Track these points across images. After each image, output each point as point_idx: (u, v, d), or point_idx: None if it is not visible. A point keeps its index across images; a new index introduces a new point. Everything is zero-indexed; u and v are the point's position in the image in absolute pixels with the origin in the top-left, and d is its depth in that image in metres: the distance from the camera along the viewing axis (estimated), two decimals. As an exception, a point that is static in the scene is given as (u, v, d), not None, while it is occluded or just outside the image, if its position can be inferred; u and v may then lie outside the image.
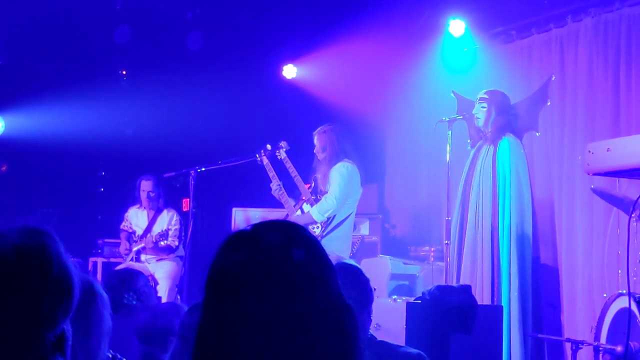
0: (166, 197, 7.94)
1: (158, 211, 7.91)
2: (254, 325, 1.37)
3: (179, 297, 7.49)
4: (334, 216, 6.67)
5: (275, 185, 6.90)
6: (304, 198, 6.87)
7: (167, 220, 7.84)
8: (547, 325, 6.61)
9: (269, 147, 7.11)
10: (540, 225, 6.65)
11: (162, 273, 7.58)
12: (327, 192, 6.69)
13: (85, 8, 8.32)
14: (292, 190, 7.06)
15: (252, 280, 1.40)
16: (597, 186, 6.00)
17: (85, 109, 8.67)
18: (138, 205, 7.99)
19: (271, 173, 7.02)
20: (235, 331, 1.38)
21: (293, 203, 6.91)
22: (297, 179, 6.96)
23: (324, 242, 6.42)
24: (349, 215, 6.76)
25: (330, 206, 6.63)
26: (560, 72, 7.02)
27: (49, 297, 1.40)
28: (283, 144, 7.03)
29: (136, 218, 7.96)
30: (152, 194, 7.88)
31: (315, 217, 6.64)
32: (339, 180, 6.64)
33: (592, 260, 6.60)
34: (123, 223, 8.02)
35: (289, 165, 7.03)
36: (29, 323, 1.38)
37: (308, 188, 6.92)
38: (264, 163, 7.07)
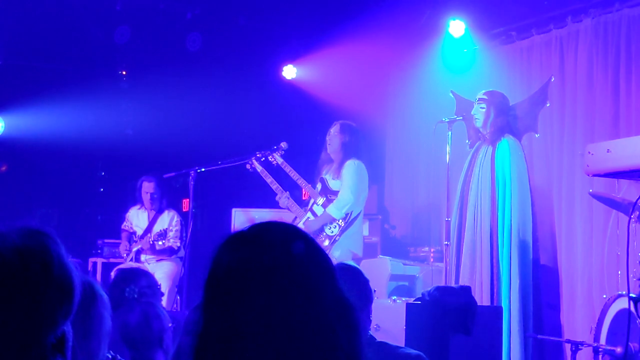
0: (168, 198, 7.92)
1: (159, 212, 7.88)
2: (259, 324, 1.38)
3: (178, 297, 7.49)
4: (351, 212, 6.67)
5: (284, 198, 6.87)
6: (315, 201, 6.82)
7: (168, 221, 7.81)
8: (547, 326, 6.61)
9: (258, 154, 7.06)
10: (540, 226, 6.65)
11: (161, 273, 7.56)
12: (337, 190, 6.68)
13: (85, 8, 8.32)
14: (293, 193, 7.03)
15: (255, 280, 1.41)
16: (595, 191, 6.00)
17: (85, 109, 8.67)
18: (139, 206, 7.96)
19: (269, 179, 6.97)
20: (241, 331, 1.38)
21: (298, 207, 6.89)
22: (302, 182, 6.91)
23: (341, 241, 6.46)
24: (360, 213, 6.78)
25: (348, 200, 6.63)
26: (560, 72, 7.02)
27: (49, 298, 1.40)
28: (283, 144, 7.00)
29: (137, 218, 7.94)
30: (154, 196, 7.84)
31: (334, 215, 6.63)
32: (353, 175, 6.67)
33: (591, 261, 6.60)
34: (124, 223, 8.00)
35: (288, 169, 6.98)
36: (29, 324, 1.38)
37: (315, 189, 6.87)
38: (258, 170, 7.03)
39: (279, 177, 7.05)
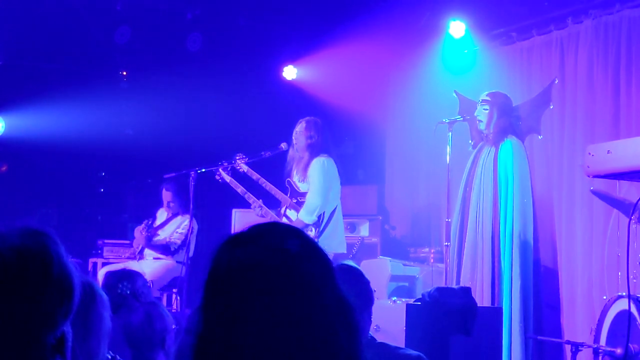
0: (186, 204, 7.83)
1: (175, 215, 7.98)
2: (259, 325, 1.38)
3: (178, 298, 7.48)
4: (323, 213, 6.55)
5: (257, 207, 6.82)
6: (286, 206, 6.77)
7: (178, 223, 7.89)
8: (547, 327, 6.60)
9: (225, 164, 7.03)
10: (540, 227, 6.65)
11: (148, 272, 7.56)
12: (305, 192, 6.60)
13: (85, 8, 8.32)
14: (266, 197, 6.97)
15: (255, 281, 1.40)
16: (597, 188, 6.00)
17: (85, 110, 8.66)
18: (164, 207, 8.14)
19: (239, 189, 6.93)
20: (241, 331, 1.38)
21: (275, 212, 6.86)
22: (271, 189, 6.84)
23: (320, 243, 6.33)
24: (334, 210, 6.61)
25: (317, 203, 6.49)
26: (560, 73, 7.02)
27: (49, 298, 1.40)
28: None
29: (159, 220, 8.07)
30: (171, 204, 8.01)
31: (306, 220, 6.48)
32: (318, 175, 6.51)
33: (591, 262, 6.60)
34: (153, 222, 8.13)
35: (256, 177, 6.92)
36: (28, 325, 1.38)
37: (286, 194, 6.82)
38: (227, 181, 7.00)
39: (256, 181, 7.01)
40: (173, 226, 7.91)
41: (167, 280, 7.64)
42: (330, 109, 8.42)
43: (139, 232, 7.80)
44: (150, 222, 7.96)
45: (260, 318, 1.38)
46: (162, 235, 7.89)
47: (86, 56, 8.83)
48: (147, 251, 7.87)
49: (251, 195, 6.90)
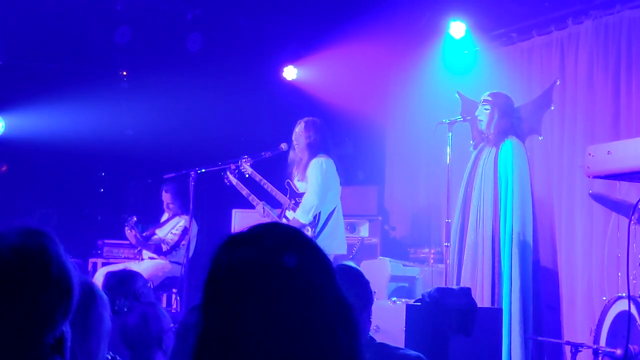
0: (186, 205, 7.83)
1: (174, 216, 8.01)
2: (259, 325, 1.38)
3: (178, 298, 7.49)
4: (320, 213, 6.55)
5: (260, 208, 6.83)
6: (285, 207, 6.78)
7: (174, 224, 7.90)
8: (547, 328, 6.60)
9: (233, 166, 7.07)
10: (540, 227, 6.65)
11: (140, 272, 7.56)
12: (304, 192, 6.58)
13: (85, 8, 8.32)
14: (270, 199, 6.98)
15: (255, 281, 1.40)
16: (595, 191, 6.00)
17: (85, 110, 8.66)
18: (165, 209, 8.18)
19: (244, 191, 6.95)
20: (241, 331, 1.38)
21: (277, 213, 6.86)
22: (272, 190, 6.85)
23: (319, 243, 6.29)
24: (333, 210, 6.60)
25: (312, 203, 6.48)
26: (560, 74, 7.02)
27: (48, 298, 1.40)
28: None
29: (162, 221, 8.11)
30: (170, 206, 8.03)
31: (302, 220, 6.47)
32: (316, 174, 6.51)
33: (591, 263, 6.60)
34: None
35: (258, 178, 6.94)
36: (28, 324, 1.38)
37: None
38: (234, 183, 7.03)
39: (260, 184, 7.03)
40: (169, 227, 7.93)
41: (159, 280, 7.63)
42: (330, 109, 8.41)
43: (126, 230, 7.80)
44: (135, 220, 7.95)
45: (260, 318, 1.38)
46: (159, 235, 7.92)
47: (86, 56, 8.83)
48: (144, 251, 7.90)
49: (255, 198, 6.91)
